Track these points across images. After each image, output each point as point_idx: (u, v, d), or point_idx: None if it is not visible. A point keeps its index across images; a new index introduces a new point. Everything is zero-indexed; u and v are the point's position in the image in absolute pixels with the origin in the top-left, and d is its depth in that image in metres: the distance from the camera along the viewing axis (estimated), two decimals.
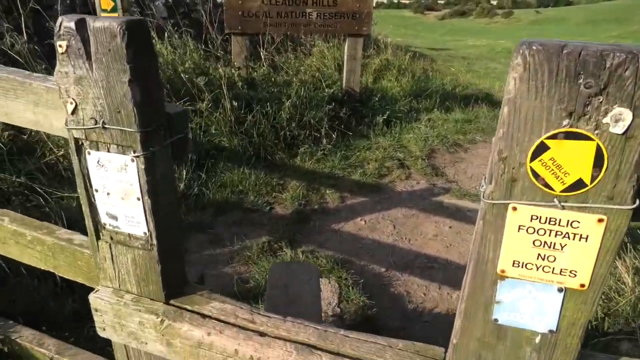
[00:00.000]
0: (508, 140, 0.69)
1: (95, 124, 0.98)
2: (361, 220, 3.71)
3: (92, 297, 1.17)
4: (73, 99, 0.97)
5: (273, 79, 5.34)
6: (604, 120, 0.64)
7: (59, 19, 0.92)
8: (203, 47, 5.15)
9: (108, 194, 1.06)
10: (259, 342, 1.03)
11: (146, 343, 1.15)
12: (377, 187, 4.27)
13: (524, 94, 0.66)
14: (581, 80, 0.63)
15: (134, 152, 0.97)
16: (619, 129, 0.63)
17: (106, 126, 0.97)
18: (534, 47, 0.64)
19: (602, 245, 0.70)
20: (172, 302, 1.15)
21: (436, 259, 3.26)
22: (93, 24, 0.89)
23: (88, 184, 1.07)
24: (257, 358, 1.02)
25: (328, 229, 3.53)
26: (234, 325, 1.08)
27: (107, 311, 1.15)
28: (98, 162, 1.03)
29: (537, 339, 0.81)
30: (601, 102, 0.63)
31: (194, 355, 1.10)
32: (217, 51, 5.25)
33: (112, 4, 3.66)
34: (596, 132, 0.65)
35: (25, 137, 3.13)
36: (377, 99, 6.09)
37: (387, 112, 5.77)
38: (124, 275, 1.15)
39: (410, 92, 6.94)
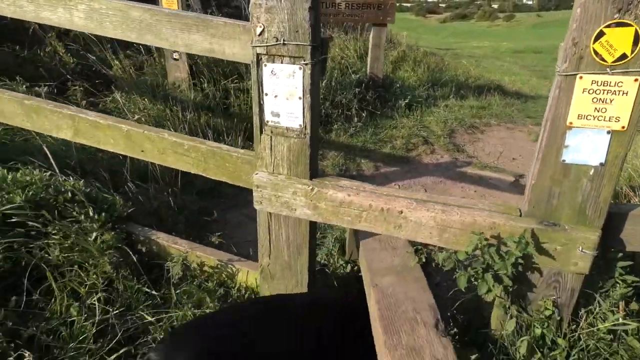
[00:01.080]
0: (579, 31, 1.12)
1: (276, 42, 1.40)
2: (395, 184, 4.13)
3: (255, 176, 1.59)
4: (262, 23, 1.40)
5: None
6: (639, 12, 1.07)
7: None
8: None
9: (275, 96, 1.48)
10: (387, 198, 1.46)
11: (295, 209, 1.57)
12: (405, 159, 4.69)
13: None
14: None
15: (304, 61, 1.40)
16: None
17: (285, 42, 1.39)
18: None
19: (637, 97, 1.13)
20: (314, 179, 1.57)
21: None
22: None
23: (260, 90, 1.50)
24: (386, 208, 1.44)
25: None
26: (364, 190, 1.51)
27: (267, 186, 1.58)
28: (272, 72, 1.46)
29: (591, 172, 1.23)
30: (639, 1, 1.06)
31: (334, 214, 1.52)
32: None
33: None
34: (635, 21, 1.07)
35: None
36: (397, 86, 6.54)
37: (409, 97, 6.21)
38: (278, 161, 1.58)
39: (426, 82, 7.37)
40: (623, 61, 1.11)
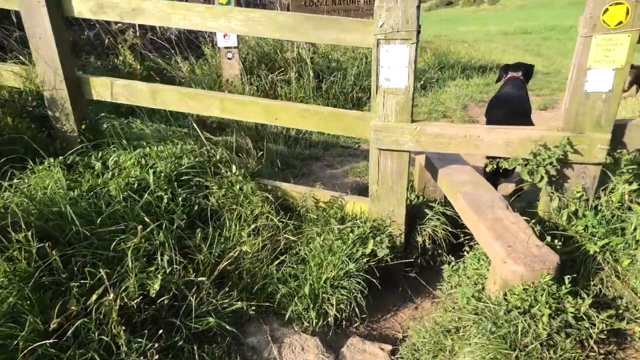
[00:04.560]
0: (594, 9, 1.86)
1: (392, 30, 2.14)
2: None
3: (372, 123, 2.33)
4: (382, 19, 2.13)
5: (330, 56, 6.51)
6: None
7: None
8: None
9: (389, 67, 2.22)
10: (467, 129, 2.20)
11: (403, 144, 2.32)
12: None
13: None
14: None
15: (411, 42, 2.14)
16: None
17: (399, 30, 2.13)
18: None
19: (629, 46, 1.88)
20: (414, 123, 2.31)
21: None
22: None
23: (378, 64, 2.23)
24: (469, 135, 2.19)
25: None
26: (452, 126, 2.25)
27: (382, 129, 2.32)
28: (387, 51, 2.20)
29: (604, 96, 1.99)
30: None
31: (432, 144, 2.27)
32: None
33: None
34: (626, 0, 1.82)
35: None
36: None
37: (422, 79, 6.97)
38: (388, 112, 2.31)
39: (434, 65, 8.14)
40: (620, 25, 1.86)
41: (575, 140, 2.07)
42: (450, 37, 18.86)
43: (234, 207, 2.66)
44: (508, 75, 3.40)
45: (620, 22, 1.85)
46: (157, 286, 1.96)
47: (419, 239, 2.66)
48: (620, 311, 1.85)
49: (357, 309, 2.28)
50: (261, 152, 3.91)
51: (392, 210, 2.56)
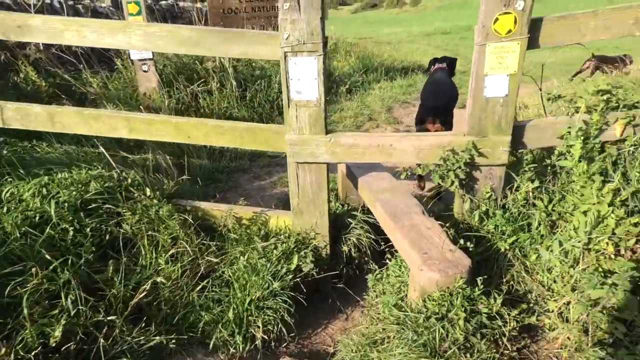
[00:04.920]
0: (485, 19, 1.94)
1: (298, 42, 2.11)
2: None
3: (287, 137, 2.29)
4: (288, 31, 2.10)
5: (254, 63, 6.42)
6: (515, 6, 1.91)
7: None
8: None
9: (299, 79, 2.19)
10: (380, 138, 2.22)
11: (318, 156, 2.30)
12: None
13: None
14: None
15: (318, 53, 2.12)
16: (520, 7, 1.91)
17: (305, 42, 2.10)
18: None
19: (520, 53, 1.98)
20: (328, 135, 2.30)
21: None
22: None
23: (287, 76, 2.19)
24: (382, 144, 2.21)
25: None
26: (365, 135, 2.26)
27: (297, 142, 2.28)
28: (295, 63, 2.16)
29: (501, 100, 2.08)
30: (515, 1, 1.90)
31: (347, 154, 2.27)
32: None
33: (138, 8, 4.57)
34: (513, 10, 1.91)
35: None
36: (336, 74, 7.38)
37: (348, 83, 7.08)
38: (302, 125, 2.28)
39: (358, 69, 8.30)
40: (510, 33, 1.95)
41: (480, 144, 2.15)
42: (375, 38, 19.41)
43: (150, 233, 2.51)
44: (435, 66, 3.86)
45: (510, 31, 1.95)
46: (58, 333, 1.79)
47: (345, 248, 2.65)
48: (531, 304, 1.94)
49: (284, 329, 2.22)
50: (184, 168, 3.75)
51: (315, 223, 2.53)
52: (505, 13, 1.92)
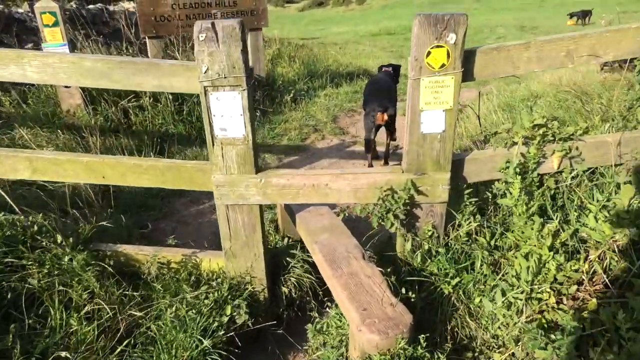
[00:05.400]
0: (417, 52, 1.82)
1: (219, 76, 1.90)
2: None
3: (213, 179, 2.07)
4: (206, 64, 1.88)
5: None
6: (447, 39, 1.80)
7: (198, 23, 1.82)
8: (126, 52, 5.69)
9: (222, 115, 1.98)
10: (315, 177, 2.06)
11: (249, 198, 2.10)
12: (303, 148, 5.36)
13: (420, 33, 1.79)
14: (437, 25, 1.78)
15: (242, 88, 1.92)
16: (452, 41, 1.80)
17: (226, 76, 1.90)
18: (421, 15, 1.77)
19: (454, 88, 1.87)
20: (259, 173, 2.10)
21: None
22: (222, 24, 1.81)
23: (209, 112, 1.98)
24: (316, 184, 2.04)
25: None
26: (297, 174, 2.09)
27: (225, 184, 2.07)
28: (217, 99, 1.95)
29: (439, 136, 1.97)
30: (445, 33, 1.79)
31: (280, 195, 2.08)
32: (136, 55, 5.82)
33: (54, 19, 4.14)
34: (446, 43, 1.80)
35: None
36: (280, 82, 7.17)
37: (292, 92, 6.88)
38: (229, 164, 2.08)
39: (303, 75, 8.12)
40: (444, 67, 1.84)
41: (419, 182, 2.03)
42: (322, 38, 19.35)
43: (61, 288, 2.21)
44: (382, 70, 4.84)
45: (443, 65, 1.84)
46: None
47: (285, 289, 2.47)
48: (476, 354, 1.84)
49: None
50: (110, 198, 3.43)
51: (250, 266, 2.33)
52: (438, 46, 1.81)
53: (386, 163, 4.51)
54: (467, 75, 1.92)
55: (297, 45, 11.08)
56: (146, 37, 5.73)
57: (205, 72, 1.90)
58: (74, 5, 7.03)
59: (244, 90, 1.93)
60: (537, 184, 2.12)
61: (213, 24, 1.82)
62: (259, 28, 6.43)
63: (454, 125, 1.96)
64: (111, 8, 7.76)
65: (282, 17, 45.31)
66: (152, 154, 4.35)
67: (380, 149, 4.78)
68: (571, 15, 19.36)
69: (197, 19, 6.24)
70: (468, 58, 1.90)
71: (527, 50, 1.91)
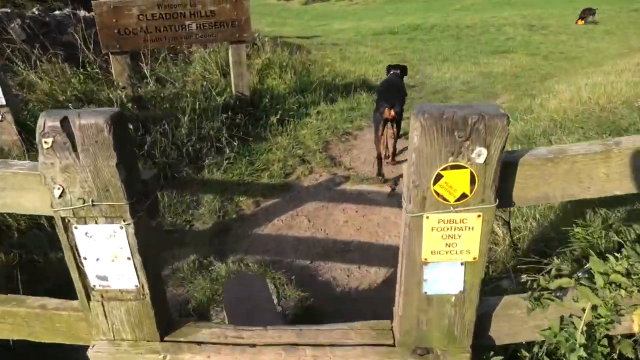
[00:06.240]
0: (417, 174, 1.04)
1: (84, 203, 1.13)
2: (278, 220, 4.00)
3: (90, 353, 1.31)
4: (60, 184, 1.11)
5: (162, 94, 5.31)
6: (472, 156, 1.02)
7: (42, 119, 1.05)
8: (81, 70, 4.91)
9: (97, 259, 1.21)
10: (252, 352, 1.29)
11: None
12: (285, 186, 4.58)
13: (423, 144, 1.01)
14: (455, 133, 1.00)
15: (124, 220, 1.15)
16: (481, 160, 1.02)
17: (95, 203, 1.13)
18: (426, 115, 0.99)
19: (482, 230, 1.10)
20: (166, 338, 1.34)
21: (351, 243, 3.70)
22: (79, 121, 1.04)
23: (76, 254, 1.21)
24: None
25: (250, 235, 3.77)
26: (227, 344, 1.32)
27: (110, 356, 1.31)
28: (86, 234, 1.18)
29: (453, 299, 1.20)
30: (468, 145, 1.01)
31: None
32: (97, 73, 5.04)
33: None
34: (468, 162, 1.02)
35: None
36: (267, 99, 6.36)
37: (280, 112, 6.07)
38: (118, 326, 1.31)
39: (295, 88, 7.31)
40: (464, 200, 1.06)
41: None
42: (323, 37, 18.46)
43: None
44: (391, 72, 5.29)
45: (464, 195, 1.05)
46: None
47: None
48: None
49: None
50: None
51: None
52: (455, 167, 1.02)
53: (393, 160, 5.00)
54: (502, 199, 1.14)
55: (292, 49, 10.26)
56: (108, 53, 4.95)
57: (61, 196, 1.13)
58: (36, 12, 6.24)
59: (129, 224, 1.15)
60: (606, 350, 1.35)
61: (65, 121, 1.04)
62: (241, 41, 5.63)
63: (479, 284, 1.18)
64: (81, 13, 6.94)
65: (284, 12, 44.31)
66: None
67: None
68: (581, 17, 18.54)
69: (170, 31, 5.47)
70: (503, 173, 1.11)
71: (607, 163, 1.13)
